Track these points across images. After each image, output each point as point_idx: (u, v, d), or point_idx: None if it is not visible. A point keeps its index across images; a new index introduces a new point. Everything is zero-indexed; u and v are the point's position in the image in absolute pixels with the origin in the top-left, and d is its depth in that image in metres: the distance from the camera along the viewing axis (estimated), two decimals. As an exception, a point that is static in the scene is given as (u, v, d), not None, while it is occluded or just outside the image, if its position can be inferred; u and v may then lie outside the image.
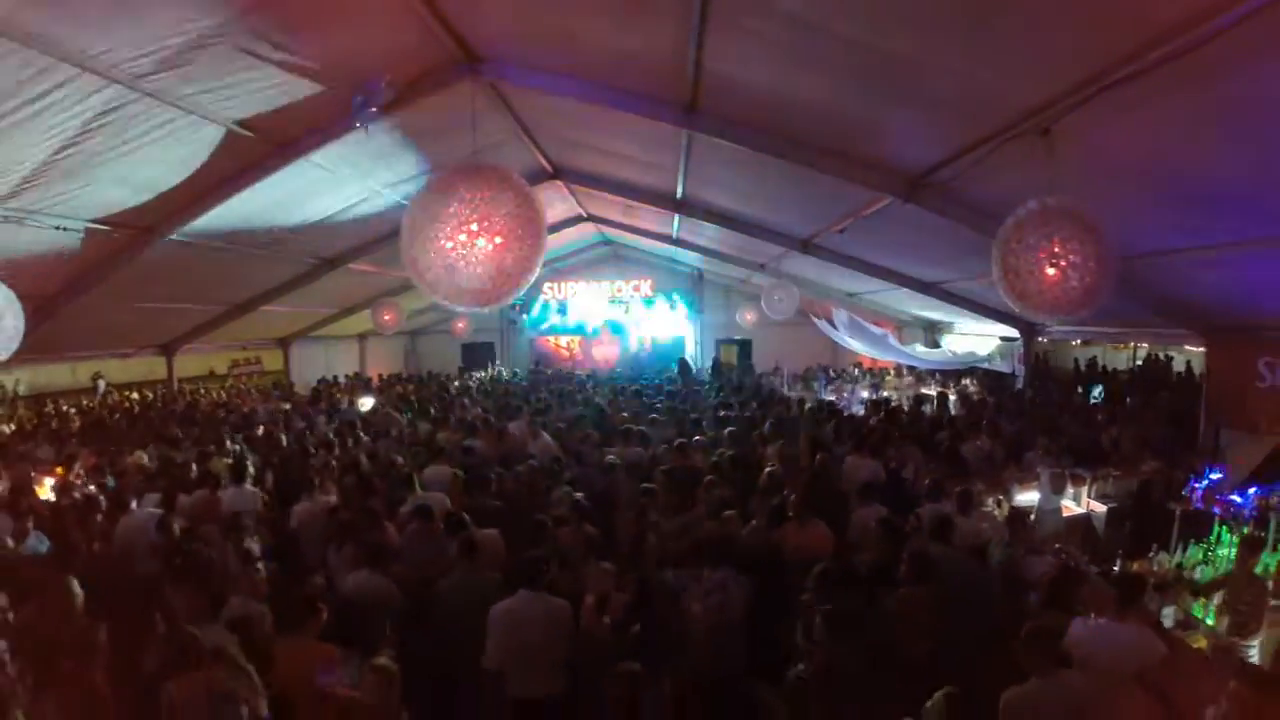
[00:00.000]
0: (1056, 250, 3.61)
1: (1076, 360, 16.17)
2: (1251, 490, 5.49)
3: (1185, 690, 3.10)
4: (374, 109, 5.59)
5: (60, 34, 4.06)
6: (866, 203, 7.01)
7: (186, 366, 13.98)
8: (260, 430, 9.58)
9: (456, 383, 16.22)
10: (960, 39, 3.62)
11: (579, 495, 5.14)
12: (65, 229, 6.75)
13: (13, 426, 11.33)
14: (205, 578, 4.07)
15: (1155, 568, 5.39)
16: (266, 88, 5.46)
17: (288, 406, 12.26)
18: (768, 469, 5.95)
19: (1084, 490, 6.91)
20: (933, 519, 4.43)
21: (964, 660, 3.23)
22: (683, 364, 16.23)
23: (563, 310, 20.05)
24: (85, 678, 3.18)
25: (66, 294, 8.03)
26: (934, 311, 13.45)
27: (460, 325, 17.30)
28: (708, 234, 12.51)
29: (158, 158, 6.15)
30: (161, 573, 4.51)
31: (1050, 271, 3.68)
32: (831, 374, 15.72)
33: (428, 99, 5.99)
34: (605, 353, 20.56)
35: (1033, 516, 6.05)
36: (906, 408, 10.72)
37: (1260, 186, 4.37)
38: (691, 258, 16.81)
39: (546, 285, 19.77)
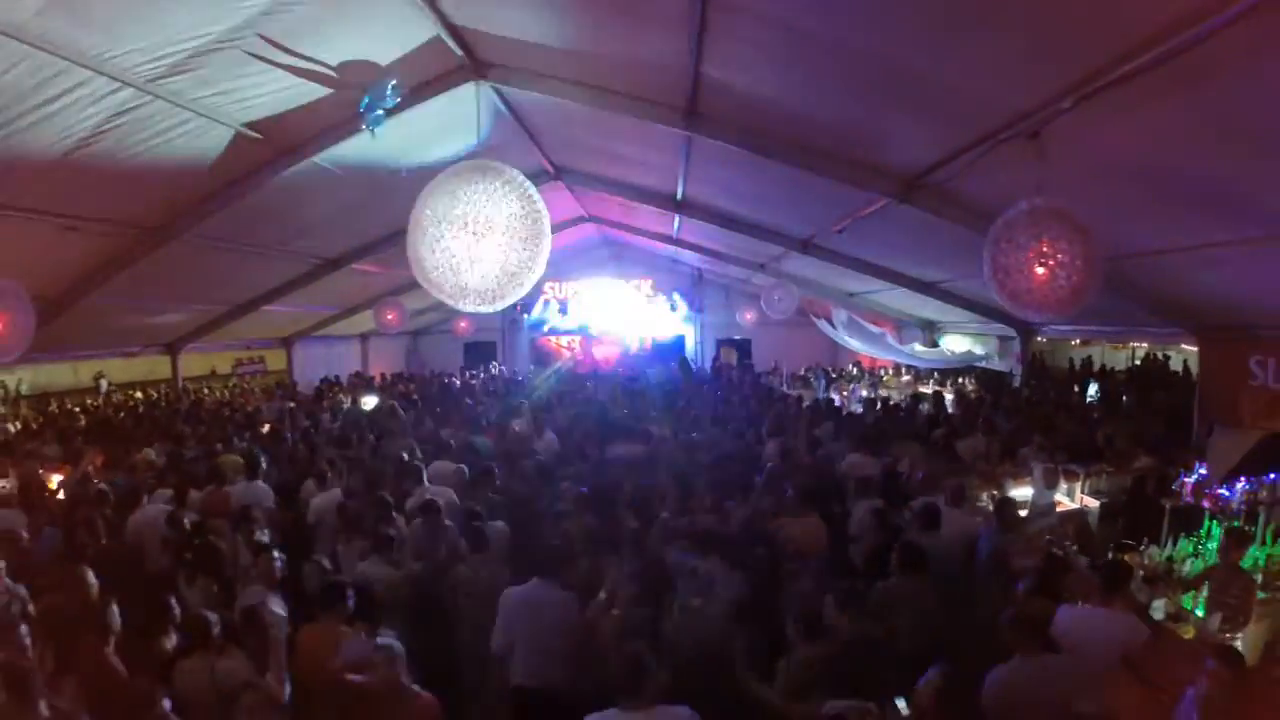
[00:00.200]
0: (1045, 250, 3.71)
1: (1071, 359, 16.30)
2: (1240, 484, 5.59)
3: (1168, 673, 3.21)
4: (381, 111, 5.73)
5: (76, 37, 4.13)
6: (864, 204, 7.11)
7: (189, 366, 14.07)
8: (266, 428, 9.71)
9: (459, 381, 16.34)
10: (950, 46, 3.73)
11: (582, 489, 5.25)
12: (77, 228, 6.89)
13: (18, 425, 11.47)
14: (217, 569, 4.20)
15: (1146, 561, 5.51)
16: (276, 91, 5.56)
17: (292, 405, 12.39)
18: (767, 465, 6.07)
19: (1078, 486, 7.01)
20: (921, 509, 4.55)
21: (953, 646, 3.33)
22: (684, 362, 16.35)
23: (564, 310, 20.17)
24: (101, 657, 3.29)
25: (73, 293, 8.11)
26: (932, 311, 13.56)
27: (463, 325, 17.37)
28: (708, 234, 12.61)
29: (168, 158, 6.27)
30: (173, 566, 4.65)
31: (1039, 271, 3.78)
32: (831, 374, 15.84)
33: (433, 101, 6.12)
34: (606, 352, 20.68)
35: (1025, 512, 6.19)
36: (904, 406, 10.83)
37: (1247, 188, 4.48)
38: (692, 257, 16.92)
39: (548, 285, 19.86)
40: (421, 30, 5.09)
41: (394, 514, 4.93)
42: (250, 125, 5.99)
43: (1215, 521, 5.73)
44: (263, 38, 4.66)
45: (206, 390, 15.44)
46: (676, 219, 11.56)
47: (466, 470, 6.16)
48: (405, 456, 6.50)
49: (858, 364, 16.83)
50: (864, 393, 13.19)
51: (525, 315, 19.93)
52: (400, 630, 3.69)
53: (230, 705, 2.88)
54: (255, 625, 3.22)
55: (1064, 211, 3.76)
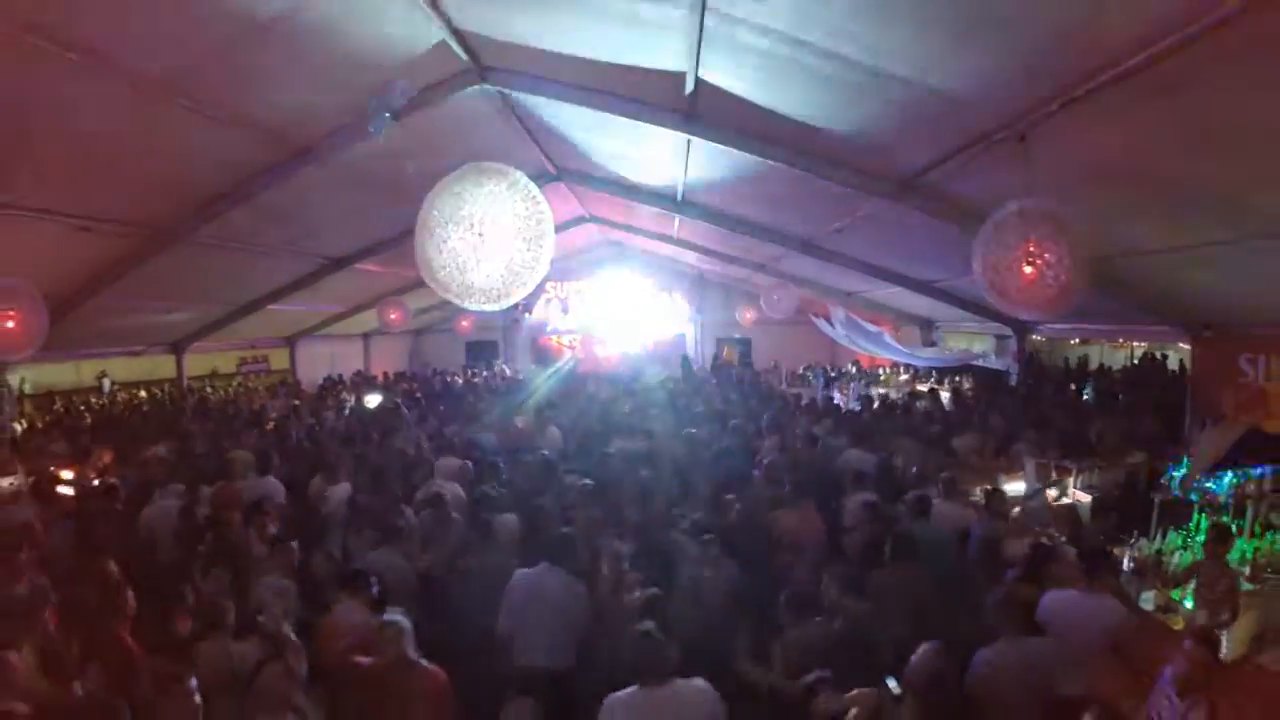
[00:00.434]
0: (1033, 250, 3.84)
1: (1066, 358, 16.44)
2: (1228, 478, 5.71)
3: (1150, 656, 3.34)
4: (388, 114, 5.85)
5: (89, 35, 4.21)
6: (861, 204, 7.24)
7: (191, 365, 14.18)
8: (270, 425, 9.85)
9: (461, 380, 16.48)
10: (939, 54, 3.87)
11: (584, 482, 5.39)
12: (89, 229, 7.01)
13: (24, 424, 11.60)
14: (232, 560, 4.33)
15: (1135, 554, 5.63)
16: (285, 93, 5.68)
17: (296, 403, 12.53)
18: (766, 459, 6.21)
19: (1070, 481, 7.14)
20: (913, 499, 4.69)
21: (945, 629, 3.46)
22: (685, 361, 16.49)
23: (565, 310, 20.29)
24: (123, 643, 3.42)
25: (83, 293, 8.23)
26: (930, 310, 13.68)
27: (465, 324, 17.48)
28: (708, 234, 12.72)
29: (178, 160, 6.39)
30: (186, 557, 4.77)
31: (1028, 270, 3.92)
32: (831, 373, 15.97)
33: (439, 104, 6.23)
34: (607, 351, 20.81)
35: (1018, 508, 6.32)
36: (901, 403, 10.97)
37: (1231, 189, 4.61)
38: (692, 257, 17.04)
39: (549, 284, 19.96)
40: (428, 34, 5.20)
41: (402, 506, 5.07)
42: (259, 127, 6.10)
43: (1204, 515, 5.86)
44: (273, 39, 4.76)
45: (210, 389, 15.56)
46: (676, 219, 11.66)
47: (470, 465, 6.29)
48: (413, 450, 6.62)
49: (856, 363, 16.95)
50: (863, 391, 13.32)
51: (526, 315, 20.04)
52: (407, 616, 3.82)
53: (248, 686, 3.00)
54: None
55: (1051, 212, 3.89)
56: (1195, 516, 5.86)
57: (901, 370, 15.49)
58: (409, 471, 6.31)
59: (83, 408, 13.48)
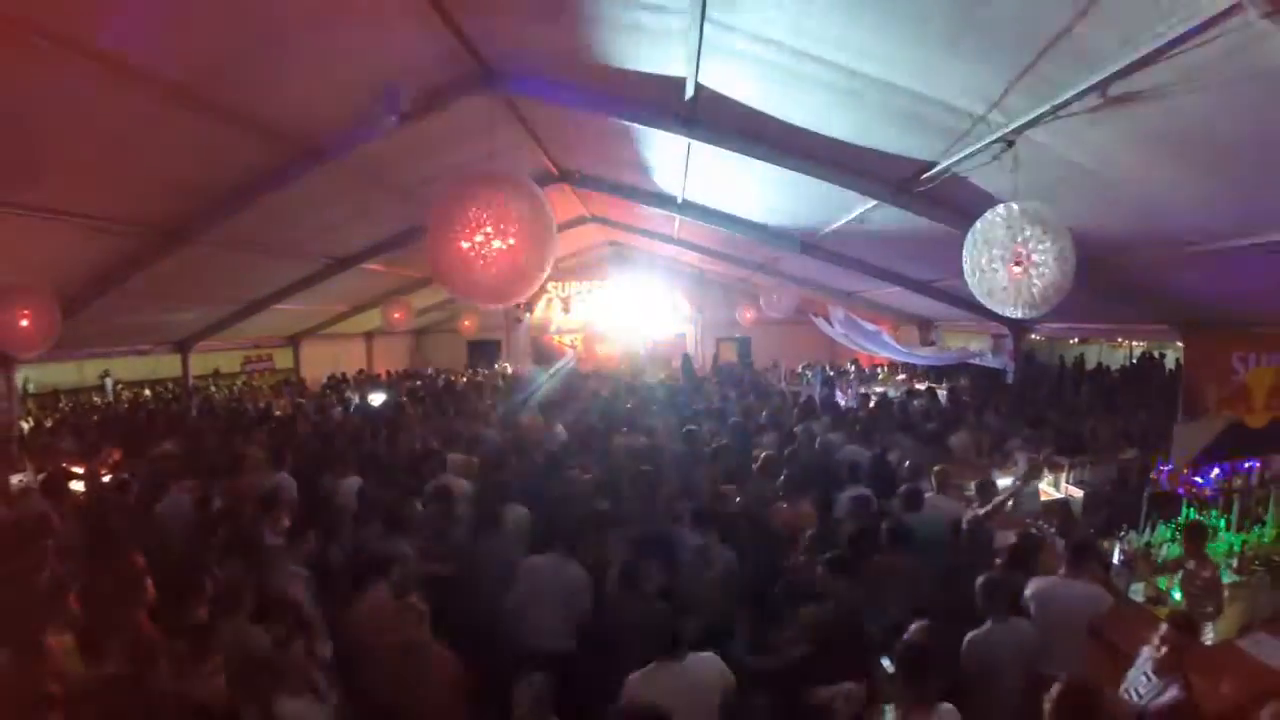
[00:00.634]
0: (1019, 250, 3.98)
1: (1061, 357, 16.61)
2: (1215, 472, 5.85)
3: (1131, 639, 3.48)
4: (395, 118, 6.00)
5: (105, 40, 4.28)
6: (858, 205, 7.38)
7: (194, 365, 14.30)
8: (275, 423, 10.00)
9: (465, 379, 16.63)
10: (929, 62, 4.01)
11: (586, 475, 5.55)
12: (100, 229, 7.15)
13: (30, 422, 11.75)
14: (247, 550, 4.48)
15: (1126, 546, 5.77)
16: (294, 96, 5.81)
17: (301, 401, 12.69)
18: (763, 454, 6.36)
19: (1063, 476, 7.28)
20: (905, 492, 4.85)
21: (937, 614, 3.62)
22: (686, 359, 16.65)
23: (566, 309, 20.44)
24: (146, 626, 3.56)
25: (90, 293, 8.33)
26: (928, 309, 13.82)
27: (467, 323, 17.60)
28: (708, 234, 12.87)
29: (189, 162, 6.52)
30: (201, 548, 4.92)
31: (1015, 270, 4.06)
32: (829, 371, 16.11)
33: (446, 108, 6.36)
34: (607, 350, 20.96)
35: (1010, 502, 6.46)
36: (898, 401, 11.12)
37: (1213, 192, 4.75)
38: (692, 257, 17.17)
39: (551, 284, 20.11)
40: (435, 39, 5.32)
41: (411, 499, 5.23)
42: (268, 130, 6.23)
43: (1192, 509, 6.00)
44: (283, 43, 4.88)
45: (214, 388, 15.72)
46: (677, 220, 11.79)
47: (477, 461, 6.45)
48: (419, 446, 6.77)
49: (855, 362, 17.08)
50: (863, 390, 13.47)
51: (528, 314, 20.19)
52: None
53: (266, 665, 3.14)
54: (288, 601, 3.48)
55: (1037, 214, 4.03)
56: (1185, 510, 5.99)
57: (900, 369, 15.63)
58: (416, 466, 6.46)
59: (90, 406, 13.63)
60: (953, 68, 4.04)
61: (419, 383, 15.73)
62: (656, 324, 20.60)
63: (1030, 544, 4.18)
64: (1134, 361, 16.63)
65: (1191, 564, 4.89)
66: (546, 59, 5.78)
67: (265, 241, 9.28)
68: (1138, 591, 5.31)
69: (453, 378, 16.85)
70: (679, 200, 10.00)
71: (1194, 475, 5.64)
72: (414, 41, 5.33)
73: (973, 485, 6.68)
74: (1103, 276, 6.95)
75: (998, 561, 4.04)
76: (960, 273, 4.40)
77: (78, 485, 7.17)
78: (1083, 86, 3.65)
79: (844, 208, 7.77)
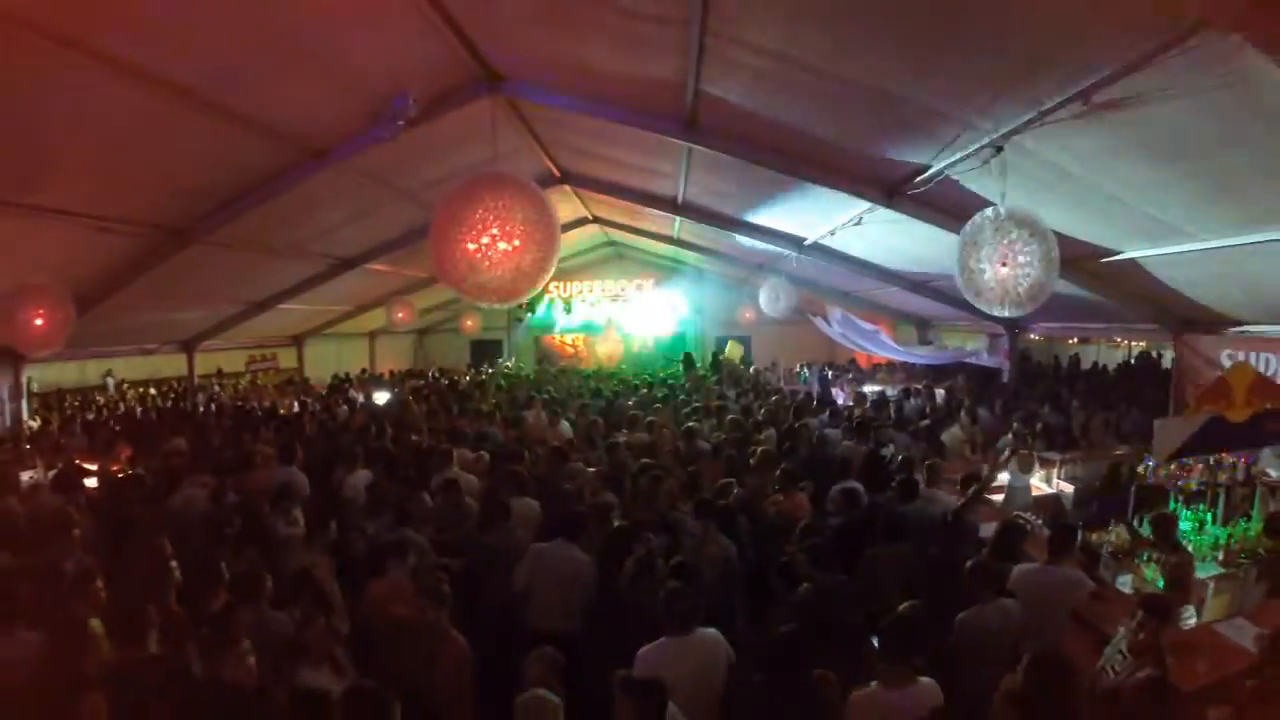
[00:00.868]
0: (1006, 252, 4.15)
1: (1056, 356, 16.76)
2: (1200, 468, 6.00)
3: (1110, 621, 3.65)
4: (401, 121, 6.15)
5: (114, 45, 4.39)
6: (854, 207, 7.54)
7: (197, 365, 14.46)
8: (280, 421, 10.17)
9: (468, 378, 16.78)
10: (920, 71, 4.18)
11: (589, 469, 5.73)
12: (111, 230, 7.30)
13: (36, 421, 11.92)
14: (262, 541, 4.64)
15: (1113, 539, 5.93)
16: (301, 100, 5.96)
17: (306, 399, 12.86)
18: (760, 449, 6.53)
19: (1054, 472, 7.45)
20: (900, 484, 5.03)
21: (929, 597, 3.80)
22: (687, 358, 16.81)
23: (568, 308, 20.60)
24: (167, 608, 3.72)
25: (100, 292, 8.49)
26: (925, 309, 13.98)
27: (469, 323, 17.72)
28: (708, 235, 13.02)
29: (200, 164, 6.66)
30: (216, 540, 5.07)
31: (1002, 270, 4.23)
32: (829, 371, 16.25)
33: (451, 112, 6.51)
34: (609, 350, 21.13)
35: (1002, 496, 6.64)
36: (894, 399, 11.30)
37: (1196, 194, 4.91)
38: (692, 257, 17.32)
39: (552, 284, 20.23)
40: (441, 46, 5.47)
41: (420, 493, 5.41)
42: (277, 133, 6.39)
43: (1179, 503, 6.15)
44: (292, 48, 5.02)
45: (218, 387, 15.89)
46: (677, 221, 11.96)
47: (487, 456, 6.64)
48: (426, 443, 6.94)
49: (853, 361, 17.22)
50: (860, 388, 13.63)
51: (530, 314, 20.32)
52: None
53: (286, 646, 3.30)
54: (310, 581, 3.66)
55: (1023, 217, 4.19)
56: (1172, 504, 6.14)
57: (898, 368, 15.78)
58: (423, 462, 6.63)
59: (97, 404, 13.81)
60: (943, 77, 4.21)
61: (422, 382, 15.89)
62: (657, 323, 20.74)
63: (1014, 532, 4.36)
64: (1131, 361, 16.76)
65: (1167, 553, 5.05)
66: (550, 65, 5.93)
67: (271, 242, 9.43)
68: (1125, 583, 5.46)
69: (455, 376, 17.00)
70: (678, 201, 10.15)
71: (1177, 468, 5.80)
72: (420, 47, 5.47)
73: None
74: (1093, 277, 7.12)
75: (985, 549, 4.22)
76: (949, 273, 4.56)
77: (89, 481, 7.35)
78: (1067, 95, 3.82)
79: (840, 210, 7.94)
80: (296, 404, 12.78)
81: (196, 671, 2.96)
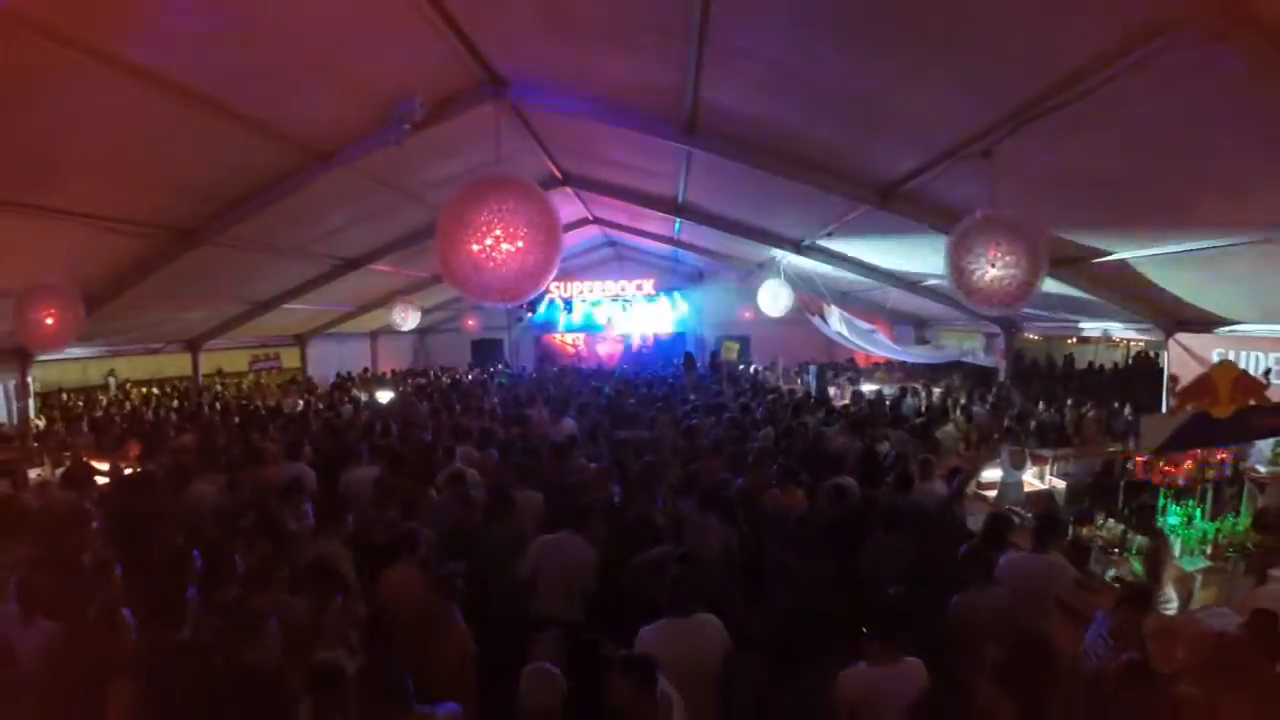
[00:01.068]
0: (994, 253, 4.29)
1: (1050, 355, 16.92)
2: (1187, 464, 6.12)
3: (1092, 607, 3.79)
4: (407, 126, 6.27)
5: (125, 48, 4.49)
6: (849, 208, 7.68)
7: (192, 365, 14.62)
8: (287, 419, 10.31)
9: (470, 377, 16.92)
10: (911, 77, 4.32)
11: (591, 464, 5.88)
12: (120, 231, 7.44)
13: (44, 420, 12.06)
14: (274, 533, 4.77)
15: (1104, 533, 6.06)
16: (309, 104, 6.08)
17: (310, 397, 13.02)
18: (758, 445, 6.69)
19: (1047, 468, 7.60)
20: (896, 478, 5.21)
21: (924, 584, 3.96)
22: (688, 357, 16.96)
23: (569, 308, 20.74)
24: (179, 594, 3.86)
25: (109, 292, 8.65)
26: (922, 309, 14.12)
27: (470, 323, 17.83)
28: (707, 235, 13.15)
29: (207, 166, 6.80)
30: (228, 533, 5.20)
31: (991, 270, 4.36)
32: (829, 371, 16.39)
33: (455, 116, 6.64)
34: (609, 349, 21.28)
35: (995, 492, 6.79)
36: (891, 398, 11.44)
37: (1179, 196, 5.05)
38: (692, 257, 17.46)
39: (553, 284, 20.34)
40: (446, 51, 5.57)
41: (426, 488, 5.56)
42: (285, 136, 6.52)
43: (1168, 498, 6.28)
44: (301, 54, 5.15)
45: (220, 386, 16.03)
46: (677, 221, 12.08)
47: (496, 453, 6.80)
48: (430, 439, 7.09)
49: (851, 360, 17.36)
50: (856, 386, 13.79)
51: (531, 314, 20.44)
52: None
53: (303, 630, 3.44)
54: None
55: (1010, 219, 4.34)
56: (1161, 500, 6.27)
57: (896, 367, 15.91)
58: (427, 458, 6.78)
59: (99, 404, 13.96)
60: (933, 83, 4.35)
61: (424, 381, 16.04)
62: (657, 322, 20.88)
63: (1002, 523, 4.53)
64: (1130, 360, 16.90)
65: (1149, 542, 5.20)
66: (553, 70, 6.05)
67: (277, 243, 9.56)
68: (1113, 574, 5.61)
69: (457, 375, 17.14)
70: (678, 202, 10.28)
71: (1165, 465, 5.92)
72: (425, 52, 5.58)
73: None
74: (1085, 278, 7.25)
75: (975, 539, 4.38)
76: (941, 273, 4.69)
77: (98, 479, 7.48)
78: (1054, 101, 3.96)
79: (836, 211, 8.07)
80: (301, 402, 12.91)
81: (221, 656, 3.09)
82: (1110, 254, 6.64)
